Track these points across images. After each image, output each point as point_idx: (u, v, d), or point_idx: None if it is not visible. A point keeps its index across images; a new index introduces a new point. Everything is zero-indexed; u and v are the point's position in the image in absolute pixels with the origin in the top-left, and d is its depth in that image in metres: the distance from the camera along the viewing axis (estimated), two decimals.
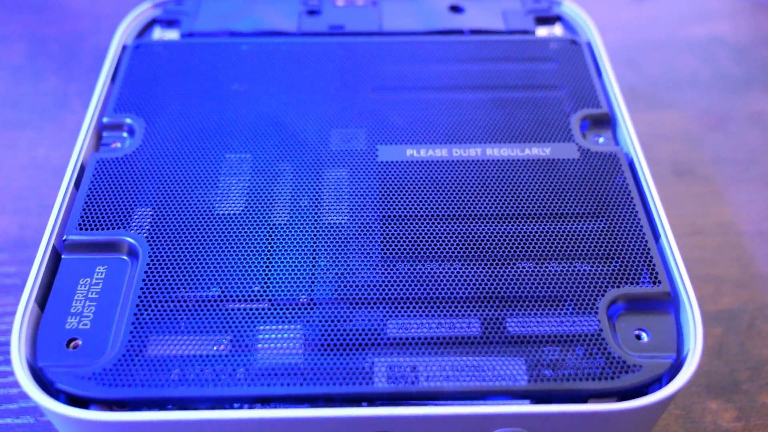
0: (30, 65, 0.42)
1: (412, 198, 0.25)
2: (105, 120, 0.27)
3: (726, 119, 0.40)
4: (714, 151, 0.38)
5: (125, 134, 0.27)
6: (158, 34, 0.32)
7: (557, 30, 0.33)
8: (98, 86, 0.28)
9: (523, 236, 0.24)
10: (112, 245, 0.24)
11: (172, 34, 0.32)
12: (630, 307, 0.22)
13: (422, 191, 0.25)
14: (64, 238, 0.24)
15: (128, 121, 0.27)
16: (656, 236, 0.24)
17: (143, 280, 0.22)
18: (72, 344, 0.21)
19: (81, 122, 0.38)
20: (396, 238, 0.24)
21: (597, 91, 0.29)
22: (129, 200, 0.25)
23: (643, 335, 0.22)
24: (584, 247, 0.24)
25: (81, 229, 0.24)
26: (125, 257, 0.23)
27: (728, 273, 0.32)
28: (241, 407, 0.21)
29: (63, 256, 0.23)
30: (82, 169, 0.26)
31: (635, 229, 0.24)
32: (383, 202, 0.25)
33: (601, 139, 0.28)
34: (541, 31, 0.33)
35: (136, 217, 0.24)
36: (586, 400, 0.21)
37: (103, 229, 0.24)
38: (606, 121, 0.28)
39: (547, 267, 0.23)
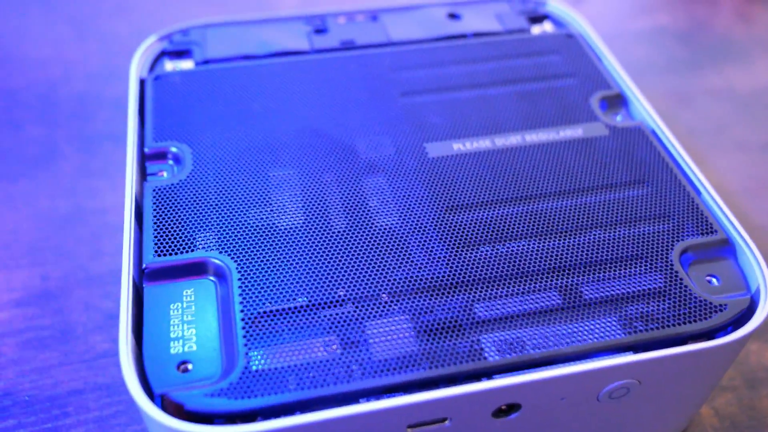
0: (5, 117, 0.40)
1: (473, 186, 0.26)
2: (146, 150, 0.27)
3: (688, 97, 0.43)
4: (687, 125, 0.41)
5: (171, 162, 0.27)
6: (170, 66, 0.32)
7: (547, 27, 0.35)
8: (129, 120, 0.28)
9: (585, 208, 0.26)
10: (193, 267, 0.23)
11: (186, 64, 0.32)
12: (696, 257, 0.24)
13: (480, 179, 0.26)
14: (143, 267, 0.23)
15: (173, 149, 0.27)
16: (697, 191, 0.26)
17: (240, 295, 0.22)
18: (182, 367, 0.21)
19: (76, 168, 0.37)
20: (467, 225, 0.25)
21: (604, 74, 0.31)
22: (196, 223, 0.25)
23: (714, 280, 0.24)
24: (641, 210, 0.26)
25: (158, 255, 0.23)
26: (212, 278, 0.23)
27: None
28: (367, 401, 0.21)
29: (145, 286, 0.23)
30: (137, 203, 0.25)
31: (679, 188, 0.26)
32: (446, 193, 0.26)
33: (618, 117, 0.30)
34: (536, 29, 0.35)
35: (206, 237, 0.24)
36: (685, 343, 0.22)
37: (178, 252, 0.24)
38: (619, 101, 0.30)
39: (615, 232, 0.25)
